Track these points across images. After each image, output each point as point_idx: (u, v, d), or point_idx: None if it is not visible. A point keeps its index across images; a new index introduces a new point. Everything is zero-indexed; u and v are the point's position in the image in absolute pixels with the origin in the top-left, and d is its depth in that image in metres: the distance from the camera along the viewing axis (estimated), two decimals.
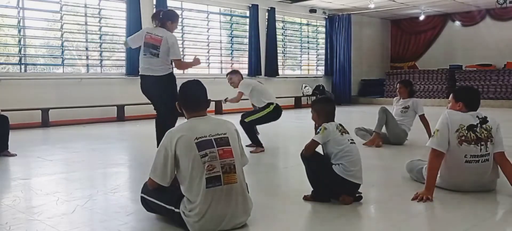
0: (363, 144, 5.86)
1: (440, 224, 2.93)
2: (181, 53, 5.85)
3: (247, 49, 12.60)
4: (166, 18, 5.17)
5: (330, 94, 14.25)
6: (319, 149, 3.30)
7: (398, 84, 6.31)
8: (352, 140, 3.26)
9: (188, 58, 10.00)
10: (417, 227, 2.88)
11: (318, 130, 3.25)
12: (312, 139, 3.23)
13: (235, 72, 6.34)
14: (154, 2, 10.45)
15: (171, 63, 5.14)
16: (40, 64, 9.68)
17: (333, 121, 3.31)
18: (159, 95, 5.11)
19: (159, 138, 4.64)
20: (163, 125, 4.61)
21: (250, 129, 5.71)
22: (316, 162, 3.25)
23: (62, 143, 6.79)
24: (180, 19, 11.13)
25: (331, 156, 3.21)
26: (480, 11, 14.76)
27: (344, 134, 3.24)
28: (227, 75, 6.34)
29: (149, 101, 5.40)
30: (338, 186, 3.15)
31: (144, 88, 5.17)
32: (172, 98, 4.51)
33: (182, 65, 5.51)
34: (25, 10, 8.94)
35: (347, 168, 3.13)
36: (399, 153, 5.46)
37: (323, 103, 3.47)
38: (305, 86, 13.94)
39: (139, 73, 5.22)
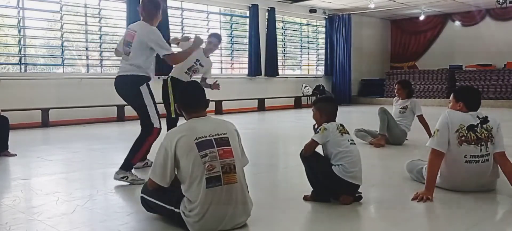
0: (370, 142, 5.88)
1: (440, 224, 2.93)
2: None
3: (247, 49, 12.60)
4: (145, 8, 4.12)
5: (330, 94, 14.25)
6: (319, 149, 3.30)
7: (396, 84, 6.31)
8: (352, 140, 3.25)
9: None
10: (417, 227, 2.88)
11: (317, 130, 3.24)
12: (312, 139, 3.22)
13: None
14: None
15: (148, 65, 4.11)
16: (40, 64, 9.68)
17: (335, 120, 3.30)
18: (126, 100, 4.29)
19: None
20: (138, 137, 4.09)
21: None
22: (315, 162, 3.24)
23: (62, 143, 6.79)
24: (180, 19, 11.21)
25: (331, 157, 3.19)
26: (480, 11, 14.76)
27: (344, 134, 3.22)
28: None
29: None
30: (337, 187, 3.14)
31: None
32: (140, 104, 4.01)
33: (178, 56, 4.28)
34: (25, 10, 8.95)
35: (347, 169, 3.11)
36: (399, 153, 5.46)
37: (325, 102, 3.43)
38: (305, 86, 13.94)
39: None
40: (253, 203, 2.78)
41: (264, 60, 12.88)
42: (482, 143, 3.33)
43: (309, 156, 3.26)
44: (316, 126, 3.33)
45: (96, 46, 10.13)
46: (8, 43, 9.27)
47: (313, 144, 3.22)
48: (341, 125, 3.27)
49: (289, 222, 2.90)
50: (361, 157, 3.26)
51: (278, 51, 13.29)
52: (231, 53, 12.78)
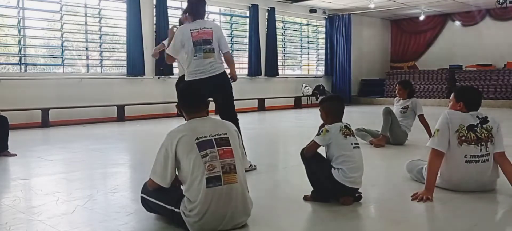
0: (370, 142, 5.88)
1: (440, 224, 2.93)
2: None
3: (247, 49, 12.61)
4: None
5: (329, 93, 14.26)
6: (322, 150, 3.28)
7: (396, 85, 6.31)
8: (356, 143, 3.19)
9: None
10: (417, 227, 2.88)
11: (320, 131, 3.20)
12: (313, 140, 3.19)
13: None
14: (154, 2, 10.45)
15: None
16: (40, 64, 9.69)
17: (341, 120, 3.25)
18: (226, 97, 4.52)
19: None
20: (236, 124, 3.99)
21: None
22: (315, 163, 3.22)
23: (62, 143, 6.79)
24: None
25: (332, 159, 3.15)
26: (480, 11, 14.75)
27: (348, 136, 3.15)
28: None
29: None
30: (336, 189, 3.11)
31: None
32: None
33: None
34: (25, 10, 8.95)
35: (346, 174, 3.07)
36: (399, 153, 5.46)
37: (331, 101, 3.36)
38: (305, 86, 13.94)
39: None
40: (253, 203, 2.78)
41: (264, 60, 12.88)
42: (482, 143, 3.33)
43: (309, 156, 3.24)
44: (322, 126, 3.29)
45: (96, 46, 10.12)
46: (8, 43, 9.26)
47: (314, 145, 3.19)
48: (346, 127, 3.20)
49: (289, 222, 2.90)
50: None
51: (278, 51, 13.29)
52: (231, 53, 12.77)
